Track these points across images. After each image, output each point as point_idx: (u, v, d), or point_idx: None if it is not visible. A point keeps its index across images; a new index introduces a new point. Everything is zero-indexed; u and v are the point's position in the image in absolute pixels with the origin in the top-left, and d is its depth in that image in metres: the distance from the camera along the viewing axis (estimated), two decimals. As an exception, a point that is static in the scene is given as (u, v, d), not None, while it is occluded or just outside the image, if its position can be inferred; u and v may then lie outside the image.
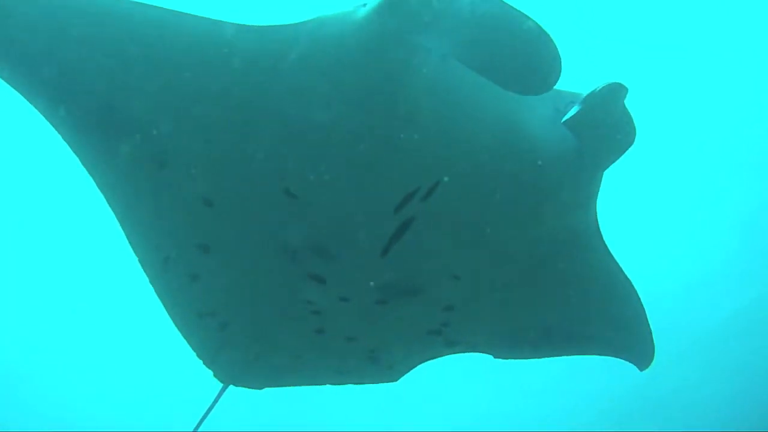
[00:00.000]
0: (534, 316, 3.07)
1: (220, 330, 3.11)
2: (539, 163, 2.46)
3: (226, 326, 3.09)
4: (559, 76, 2.14)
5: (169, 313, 3.20)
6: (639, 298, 3.07)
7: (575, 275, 2.90)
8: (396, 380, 3.49)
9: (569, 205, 2.65)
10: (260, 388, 3.58)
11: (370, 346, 3.23)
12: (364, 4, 2.24)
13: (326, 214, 2.54)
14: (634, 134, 2.48)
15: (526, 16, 2.06)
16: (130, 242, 2.90)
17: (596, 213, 2.81)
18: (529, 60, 2.08)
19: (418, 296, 2.83)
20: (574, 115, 2.45)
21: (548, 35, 2.06)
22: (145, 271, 3.02)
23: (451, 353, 3.43)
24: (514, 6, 2.10)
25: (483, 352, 3.39)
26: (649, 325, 3.15)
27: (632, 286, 3.01)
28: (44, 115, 2.53)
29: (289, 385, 3.60)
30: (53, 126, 2.56)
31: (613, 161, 2.54)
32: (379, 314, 2.96)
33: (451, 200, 2.47)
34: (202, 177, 2.51)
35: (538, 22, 2.06)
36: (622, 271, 2.97)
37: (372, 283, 2.75)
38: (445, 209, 2.49)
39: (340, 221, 2.54)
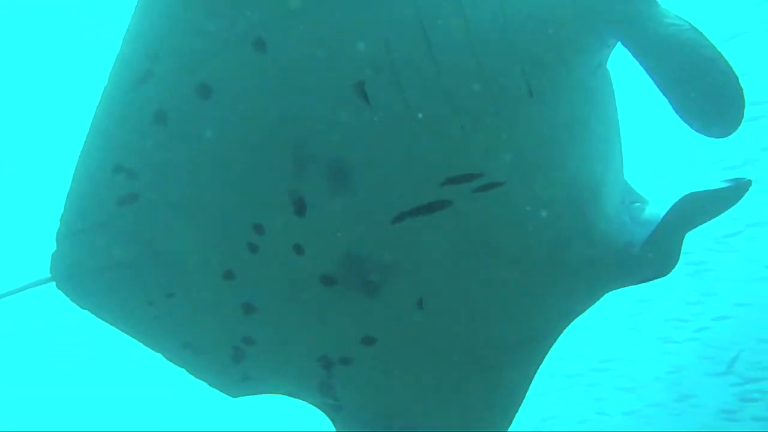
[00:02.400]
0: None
1: None
2: (591, 236, 2.32)
3: None
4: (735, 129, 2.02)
5: None
6: None
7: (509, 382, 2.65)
8: (233, 396, 2.75)
9: (574, 297, 2.48)
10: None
11: (253, 332, 2.53)
12: None
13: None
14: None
15: (728, 65, 1.97)
16: None
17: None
18: (719, 102, 1.98)
19: (363, 299, 2.40)
20: (653, 237, 2.30)
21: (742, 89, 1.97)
22: None
23: (321, 405, 2.71)
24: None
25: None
26: None
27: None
28: None
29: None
30: None
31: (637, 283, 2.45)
32: (307, 293, 2.40)
33: (497, 207, 2.22)
34: None
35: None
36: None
37: (347, 251, 2.33)
38: (483, 215, 2.24)
39: (386, 156, 2.19)
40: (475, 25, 2.04)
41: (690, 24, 2.01)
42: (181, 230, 2.38)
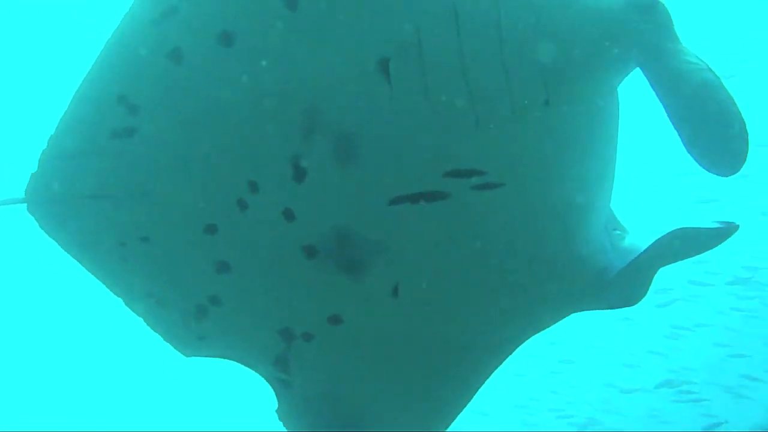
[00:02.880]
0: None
1: None
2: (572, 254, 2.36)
3: None
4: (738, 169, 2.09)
5: None
6: None
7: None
8: (186, 355, 2.66)
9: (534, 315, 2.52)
10: None
11: (221, 292, 2.44)
12: None
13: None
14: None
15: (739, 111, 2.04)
16: None
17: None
18: (726, 147, 2.05)
19: (340, 276, 2.35)
20: (630, 268, 2.34)
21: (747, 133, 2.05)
22: None
23: (271, 378, 2.65)
24: None
25: None
26: None
27: None
28: None
29: None
30: None
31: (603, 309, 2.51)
32: (286, 261, 2.35)
33: (490, 209, 2.24)
34: None
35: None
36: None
37: (337, 224, 2.29)
38: (476, 214, 2.25)
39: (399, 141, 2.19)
40: (507, 27, 2.07)
41: (707, 65, 2.08)
42: (173, 174, 2.31)
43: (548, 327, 2.61)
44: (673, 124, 2.07)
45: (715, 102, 2.02)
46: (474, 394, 2.72)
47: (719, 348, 15.65)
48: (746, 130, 2.02)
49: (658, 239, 2.26)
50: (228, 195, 2.29)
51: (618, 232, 2.57)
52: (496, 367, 2.68)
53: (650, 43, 2.10)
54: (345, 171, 2.19)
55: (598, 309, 2.51)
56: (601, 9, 2.11)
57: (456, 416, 2.75)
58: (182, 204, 2.34)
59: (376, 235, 2.28)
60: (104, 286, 2.55)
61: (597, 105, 2.20)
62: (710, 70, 2.06)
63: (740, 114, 2.02)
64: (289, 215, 2.28)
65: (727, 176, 2.06)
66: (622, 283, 2.38)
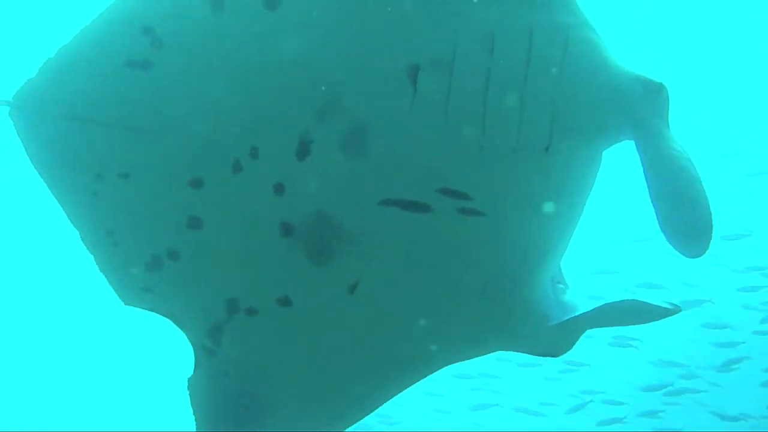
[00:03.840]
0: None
1: None
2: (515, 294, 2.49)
3: None
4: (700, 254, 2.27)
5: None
6: None
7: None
8: (124, 302, 2.58)
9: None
10: None
11: (183, 248, 2.41)
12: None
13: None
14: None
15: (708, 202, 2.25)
16: None
17: None
18: (694, 233, 2.24)
19: (305, 260, 2.38)
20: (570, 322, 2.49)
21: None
22: None
23: (197, 344, 2.62)
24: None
25: None
26: None
27: None
28: None
29: None
30: None
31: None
32: (260, 233, 2.36)
33: (465, 234, 2.36)
34: None
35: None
36: None
37: (322, 209, 2.34)
38: (451, 236, 2.38)
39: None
40: (533, 72, 2.23)
41: (689, 155, 2.32)
42: (176, 119, 2.30)
43: (470, 358, 2.72)
44: (651, 198, 2.28)
45: (691, 189, 2.25)
46: (382, 404, 2.79)
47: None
48: (711, 220, 2.25)
49: (608, 304, 2.42)
50: (226, 154, 2.30)
51: (561, 285, 2.73)
52: (412, 384, 2.76)
53: (650, 123, 2.32)
54: (348, 161, 2.26)
55: (526, 352, 2.64)
56: (618, 83, 2.32)
57: (357, 421, 2.80)
58: (176, 150, 2.32)
59: (355, 229, 2.34)
60: (63, 212, 2.47)
61: (586, 163, 2.39)
62: (690, 160, 2.29)
63: (709, 204, 2.25)
64: (279, 189, 2.31)
65: (693, 257, 2.26)
66: (556, 334, 2.53)
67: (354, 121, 2.24)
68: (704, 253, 2.23)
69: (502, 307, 2.50)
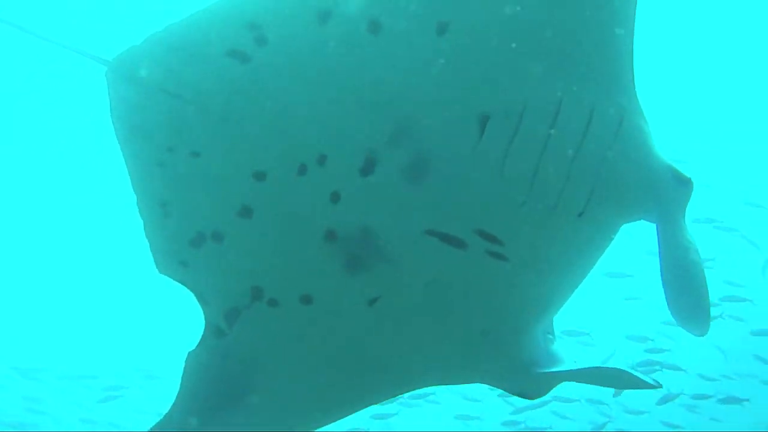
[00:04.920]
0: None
1: None
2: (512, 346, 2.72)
3: None
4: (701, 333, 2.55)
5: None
6: None
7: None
8: (158, 269, 2.75)
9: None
10: None
11: (228, 233, 2.55)
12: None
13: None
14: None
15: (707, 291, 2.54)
16: None
17: None
18: (695, 318, 2.53)
19: (338, 267, 2.55)
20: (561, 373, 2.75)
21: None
22: None
23: (209, 323, 2.74)
24: None
25: None
26: None
27: None
28: None
29: None
30: None
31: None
32: (304, 235, 2.52)
33: (488, 277, 2.57)
34: None
35: None
36: None
37: (370, 225, 2.50)
38: (476, 276, 2.58)
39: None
40: (588, 145, 2.47)
41: (696, 247, 2.59)
42: (259, 113, 2.44)
43: (451, 384, 2.99)
44: (662, 279, 2.56)
45: (696, 280, 2.54)
46: (357, 411, 2.96)
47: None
48: (709, 307, 2.55)
49: (598, 367, 2.71)
50: (296, 155, 2.45)
51: (550, 336, 2.94)
52: (392, 397, 2.99)
53: (674, 213, 2.60)
54: (405, 186, 2.45)
55: (504, 389, 2.87)
56: (656, 169, 2.59)
57: (330, 423, 2.96)
58: (250, 142, 2.47)
59: (394, 251, 2.52)
60: (125, 171, 2.58)
61: (608, 233, 2.64)
62: (698, 251, 2.58)
63: (708, 295, 2.55)
64: (335, 197, 2.47)
65: (697, 336, 2.54)
66: (538, 380, 2.77)
67: (420, 151, 2.42)
68: (705, 333, 2.51)
69: (499, 351, 2.71)
